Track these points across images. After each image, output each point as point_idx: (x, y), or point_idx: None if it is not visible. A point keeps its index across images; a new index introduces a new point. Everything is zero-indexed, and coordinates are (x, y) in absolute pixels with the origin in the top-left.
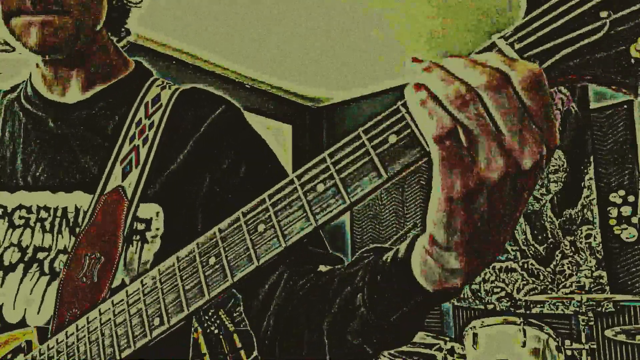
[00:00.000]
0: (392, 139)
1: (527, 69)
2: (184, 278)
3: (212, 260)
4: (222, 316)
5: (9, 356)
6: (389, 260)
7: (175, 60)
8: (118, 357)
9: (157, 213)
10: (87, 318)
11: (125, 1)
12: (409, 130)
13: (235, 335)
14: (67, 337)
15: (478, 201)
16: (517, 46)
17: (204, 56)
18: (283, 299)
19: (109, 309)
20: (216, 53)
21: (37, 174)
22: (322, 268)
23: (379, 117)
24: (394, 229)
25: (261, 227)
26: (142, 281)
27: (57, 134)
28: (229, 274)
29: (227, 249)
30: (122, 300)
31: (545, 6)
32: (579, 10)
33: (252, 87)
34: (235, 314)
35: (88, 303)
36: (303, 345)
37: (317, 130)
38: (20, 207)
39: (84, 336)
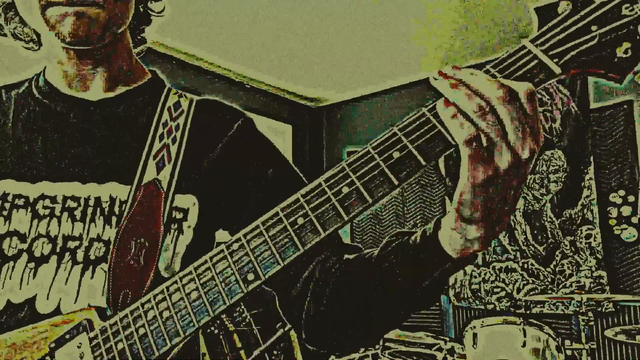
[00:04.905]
0: (426, 136)
1: (526, 86)
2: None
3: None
4: (222, 316)
5: (67, 336)
6: (418, 238)
7: (175, 60)
8: (196, 325)
9: (194, 204)
10: (153, 295)
11: (149, 9)
12: (437, 130)
13: (235, 335)
14: (136, 313)
15: (493, 185)
16: (540, 48)
17: (203, 56)
18: (320, 287)
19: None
20: (216, 53)
21: (63, 166)
22: (348, 256)
23: (410, 119)
24: (394, 229)
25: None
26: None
27: (81, 129)
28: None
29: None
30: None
31: (555, 21)
32: (577, 26)
33: (252, 87)
34: (235, 314)
35: (137, 285)
36: (347, 325)
37: (317, 130)
38: (43, 196)
39: (162, 307)
